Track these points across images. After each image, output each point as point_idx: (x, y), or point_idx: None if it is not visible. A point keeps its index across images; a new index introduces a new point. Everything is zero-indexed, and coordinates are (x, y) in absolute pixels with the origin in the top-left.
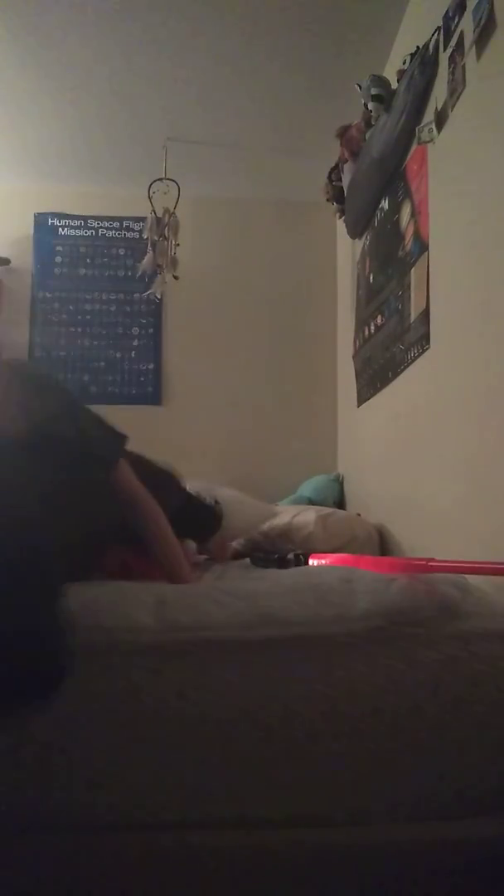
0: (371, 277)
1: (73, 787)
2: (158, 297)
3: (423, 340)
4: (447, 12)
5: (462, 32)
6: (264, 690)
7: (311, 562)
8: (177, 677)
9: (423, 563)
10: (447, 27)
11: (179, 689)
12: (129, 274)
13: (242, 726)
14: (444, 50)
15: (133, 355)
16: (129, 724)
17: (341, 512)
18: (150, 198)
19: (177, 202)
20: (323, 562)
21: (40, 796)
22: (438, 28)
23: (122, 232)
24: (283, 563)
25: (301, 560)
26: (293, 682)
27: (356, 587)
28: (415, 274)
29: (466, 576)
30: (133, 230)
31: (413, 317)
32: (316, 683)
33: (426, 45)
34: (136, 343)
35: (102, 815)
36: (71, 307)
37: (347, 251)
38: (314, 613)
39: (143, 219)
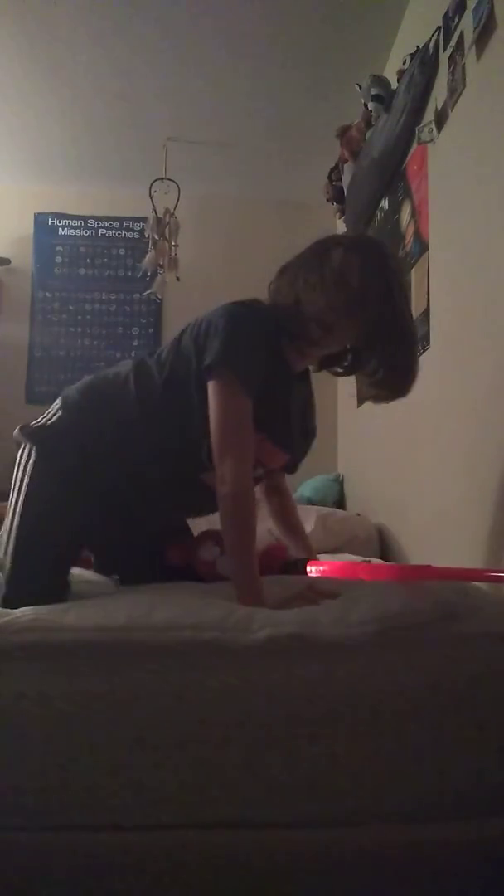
0: None
1: (73, 787)
2: (159, 297)
3: (423, 340)
4: (447, 12)
5: (462, 32)
6: (264, 692)
7: (308, 569)
8: (176, 679)
9: (421, 570)
10: (447, 27)
11: (179, 691)
12: (129, 274)
13: (242, 728)
14: (444, 50)
15: (133, 355)
16: (129, 724)
17: (341, 512)
18: (151, 196)
19: (177, 203)
20: (321, 568)
21: (39, 796)
22: (438, 28)
23: (122, 232)
24: (285, 568)
25: (298, 566)
26: (293, 685)
27: (356, 594)
28: (415, 274)
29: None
30: (133, 230)
31: (413, 317)
32: (316, 686)
33: (426, 45)
34: (136, 343)
35: (101, 815)
36: (71, 307)
37: None
38: (314, 618)
39: (143, 219)
